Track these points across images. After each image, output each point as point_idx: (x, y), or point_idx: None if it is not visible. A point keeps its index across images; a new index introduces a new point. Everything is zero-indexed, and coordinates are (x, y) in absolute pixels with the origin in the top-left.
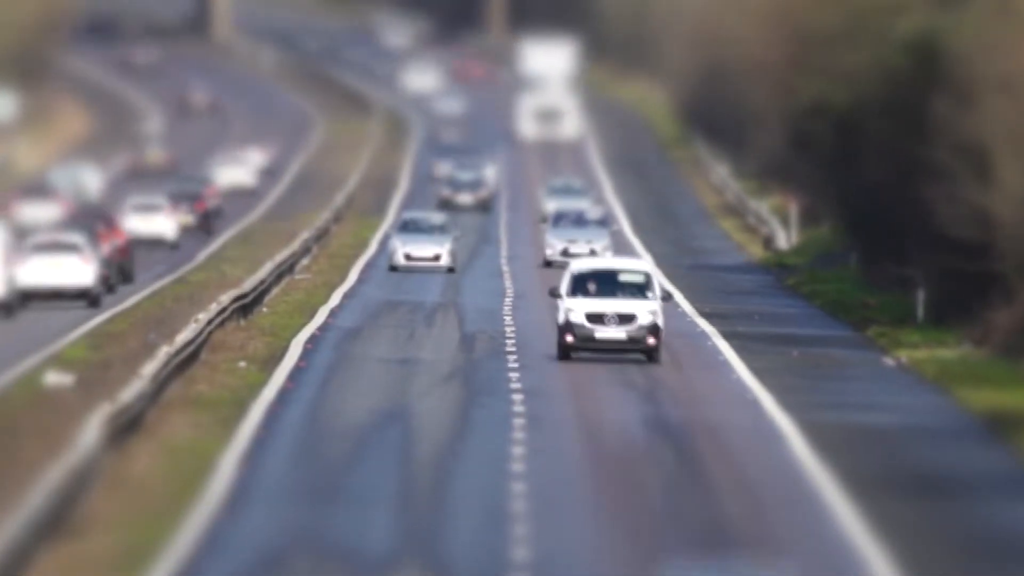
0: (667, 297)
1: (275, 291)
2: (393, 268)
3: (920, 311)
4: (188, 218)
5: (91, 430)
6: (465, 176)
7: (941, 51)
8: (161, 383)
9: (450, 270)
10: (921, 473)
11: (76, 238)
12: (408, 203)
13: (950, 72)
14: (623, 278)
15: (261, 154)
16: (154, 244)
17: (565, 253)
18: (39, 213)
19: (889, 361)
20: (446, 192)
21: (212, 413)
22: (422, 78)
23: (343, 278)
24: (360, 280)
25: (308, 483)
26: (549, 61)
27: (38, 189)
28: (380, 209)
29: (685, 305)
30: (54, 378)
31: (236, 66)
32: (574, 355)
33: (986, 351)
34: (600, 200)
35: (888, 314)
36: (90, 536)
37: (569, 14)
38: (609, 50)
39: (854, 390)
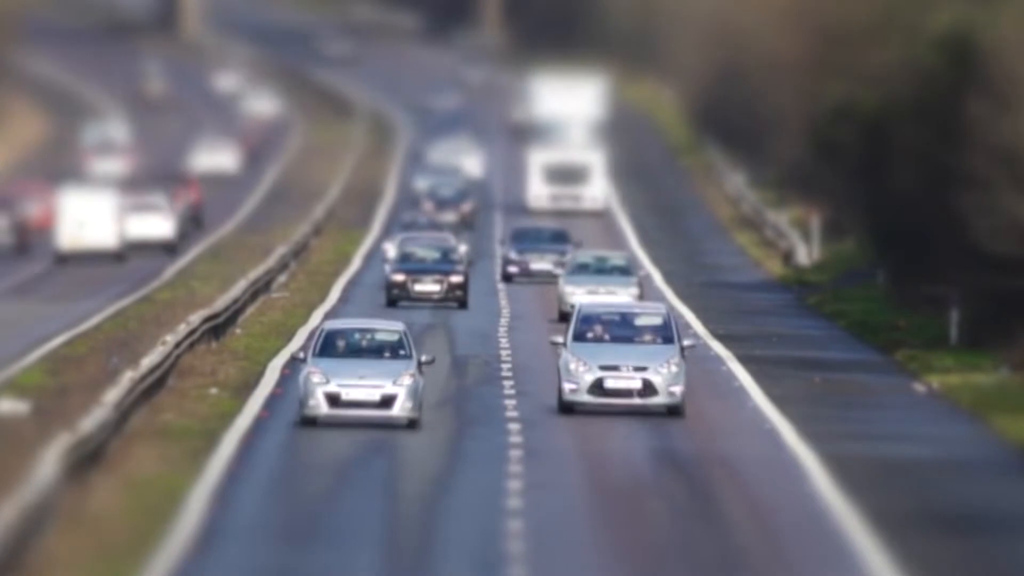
0: None
1: (249, 311)
2: (309, 421)
3: (954, 333)
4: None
5: (48, 463)
6: (427, 253)
7: (977, 49)
8: (125, 412)
9: (411, 424)
10: (955, 510)
11: (158, 199)
12: (394, 216)
13: (987, 72)
14: None
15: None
16: (218, 178)
17: (599, 388)
18: (107, 167)
19: (920, 387)
20: (397, 277)
21: (180, 444)
22: (456, 155)
23: (323, 297)
24: (342, 299)
25: (285, 521)
26: (569, 103)
27: (106, 146)
28: (364, 221)
29: (698, 327)
30: (7, 406)
31: (205, 65)
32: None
33: None
34: (647, 284)
35: (919, 336)
36: None
37: (570, 10)
38: (614, 48)
39: (882, 419)
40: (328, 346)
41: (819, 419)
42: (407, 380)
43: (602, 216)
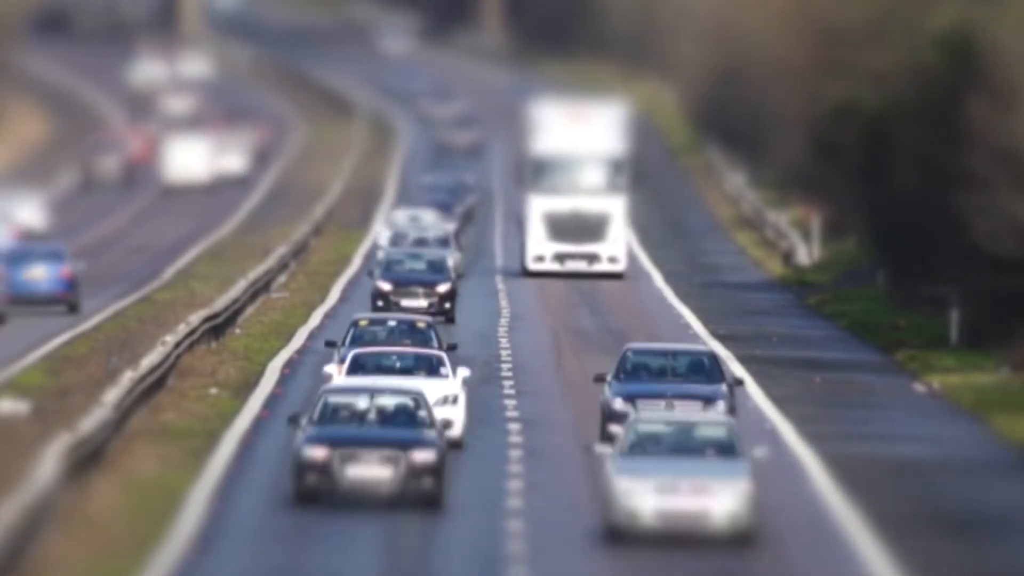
0: None
1: (249, 311)
2: None
3: (954, 333)
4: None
5: (48, 463)
6: (368, 402)
7: (978, 48)
8: (125, 412)
9: None
10: (955, 510)
11: (233, 141)
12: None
13: (988, 71)
14: None
15: None
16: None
17: None
18: (178, 105)
19: (920, 387)
20: (314, 453)
21: (180, 444)
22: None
23: (323, 297)
24: (342, 299)
25: (285, 521)
26: (580, 135)
27: (179, 85)
28: (364, 222)
29: (698, 327)
30: (8, 406)
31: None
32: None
33: None
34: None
35: (919, 336)
36: None
37: (570, 10)
38: (614, 48)
39: (882, 419)
40: None
41: (819, 419)
42: None
43: (624, 279)
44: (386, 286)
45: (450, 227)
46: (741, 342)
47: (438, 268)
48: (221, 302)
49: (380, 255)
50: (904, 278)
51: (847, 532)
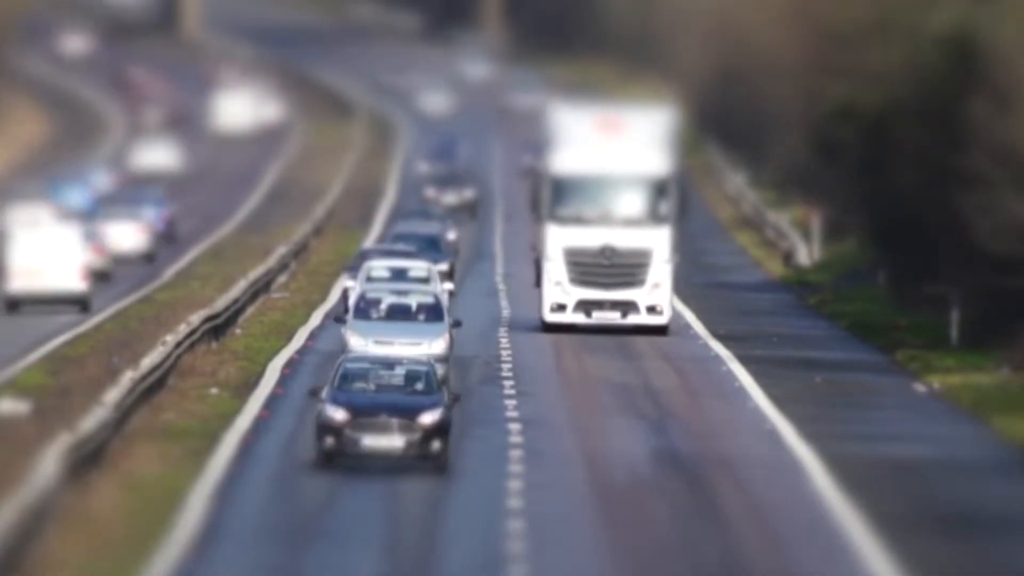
0: None
1: (250, 311)
2: None
3: (954, 333)
4: None
5: (49, 463)
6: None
7: (978, 49)
8: (125, 412)
9: None
10: (956, 511)
11: (269, 93)
12: (394, 217)
13: (988, 72)
14: None
15: None
16: None
17: None
18: (72, 44)
19: (920, 387)
20: None
21: (180, 444)
22: None
23: (324, 297)
24: (343, 298)
25: (285, 521)
26: (613, 149)
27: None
28: (364, 222)
29: (698, 327)
30: (8, 406)
31: (206, 65)
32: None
33: None
34: None
35: (919, 336)
36: None
37: (570, 9)
38: (613, 48)
39: (882, 419)
40: None
41: (819, 419)
42: None
43: (666, 333)
44: (340, 415)
45: (448, 286)
46: (741, 342)
47: (423, 384)
48: (221, 302)
49: (352, 341)
50: (904, 278)
51: (848, 531)
